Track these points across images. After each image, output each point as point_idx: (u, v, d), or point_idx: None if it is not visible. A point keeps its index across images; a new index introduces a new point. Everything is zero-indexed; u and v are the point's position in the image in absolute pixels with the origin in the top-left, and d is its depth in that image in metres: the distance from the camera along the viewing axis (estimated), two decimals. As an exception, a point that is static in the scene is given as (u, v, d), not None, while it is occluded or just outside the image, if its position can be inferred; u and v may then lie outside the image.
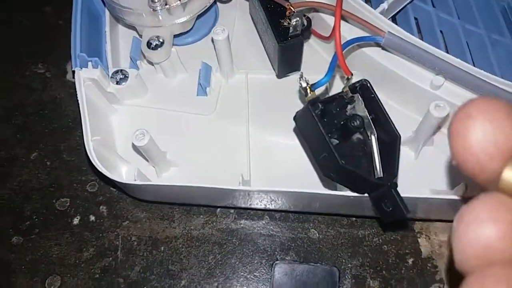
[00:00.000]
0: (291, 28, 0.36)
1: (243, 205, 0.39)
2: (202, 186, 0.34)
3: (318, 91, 0.31)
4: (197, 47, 0.44)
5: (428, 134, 0.36)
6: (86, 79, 0.37)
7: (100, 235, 0.40)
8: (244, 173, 0.37)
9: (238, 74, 0.42)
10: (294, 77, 0.41)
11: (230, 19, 0.45)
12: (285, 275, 0.37)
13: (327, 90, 0.39)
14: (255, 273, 0.38)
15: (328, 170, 0.32)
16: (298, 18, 0.35)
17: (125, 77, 0.39)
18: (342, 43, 0.31)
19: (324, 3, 0.35)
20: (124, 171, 0.39)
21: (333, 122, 0.32)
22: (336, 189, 0.34)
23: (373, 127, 0.31)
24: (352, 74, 0.31)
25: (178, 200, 0.40)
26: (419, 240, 0.39)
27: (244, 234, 0.40)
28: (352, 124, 0.31)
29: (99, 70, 0.38)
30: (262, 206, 0.39)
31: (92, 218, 0.41)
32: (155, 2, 0.37)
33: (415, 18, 0.43)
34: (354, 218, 0.40)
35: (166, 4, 0.37)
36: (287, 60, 0.39)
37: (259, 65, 0.42)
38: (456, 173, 0.36)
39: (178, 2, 0.37)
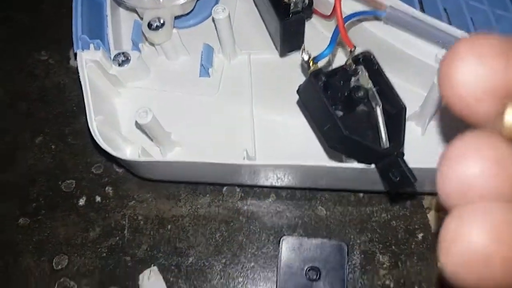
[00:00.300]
0: (292, 5, 0.36)
1: (248, 182, 0.39)
2: (206, 162, 0.34)
3: (321, 65, 0.31)
4: (199, 30, 0.44)
5: (434, 107, 0.36)
6: (88, 61, 0.37)
7: (107, 215, 0.40)
8: (249, 149, 0.37)
9: (241, 55, 0.42)
10: (296, 55, 0.41)
11: (231, 0, 0.45)
12: (293, 250, 0.37)
13: (330, 65, 0.39)
14: (262, 250, 0.38)
15: (333, 141, 0.31)
16: (298, -5, 0.35)
17: (127, 59, 0.39)
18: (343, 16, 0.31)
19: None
20: (128, 151, 0.39)
21: (336, 95, 0.32)
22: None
23: (378, 98, 0.31)
24: (355, 47, 0.31)
25: (184, 178, 0.40)
26: (428, 215, 0.39)
27: (251, 212, 0.40)
28: (356, 95, 0.31)
29: (101, 52, 0.38)
30: (268, 184, 0.39)
31: (98, 199, 0.41)
32: (156, -17, 0.37)
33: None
34: (361, 195, 0.40)
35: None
36: (289, 37, 0.39)
37: (261, 45, 0.42)
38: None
39: (179, -18, 0.37)
